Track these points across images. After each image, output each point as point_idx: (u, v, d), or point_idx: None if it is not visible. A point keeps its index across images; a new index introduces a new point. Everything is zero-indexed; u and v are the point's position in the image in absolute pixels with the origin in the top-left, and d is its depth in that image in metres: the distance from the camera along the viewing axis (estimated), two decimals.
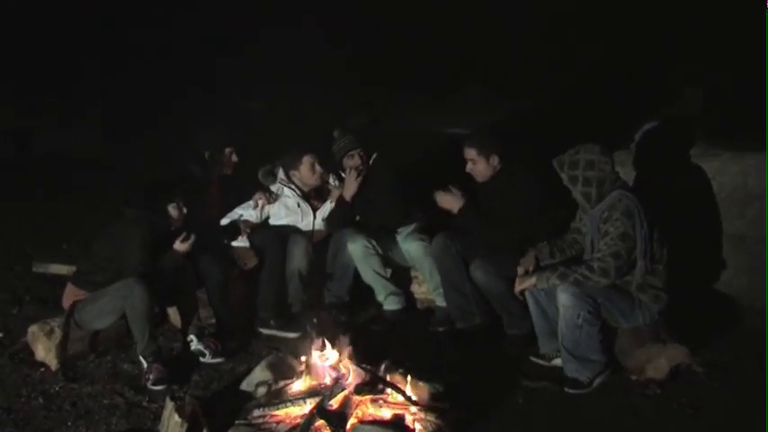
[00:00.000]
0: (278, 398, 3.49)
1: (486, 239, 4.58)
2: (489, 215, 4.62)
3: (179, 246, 4.39)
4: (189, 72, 11.35)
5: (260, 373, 3.80)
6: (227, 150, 5.06)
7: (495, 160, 4.63)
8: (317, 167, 5.13)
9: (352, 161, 5.12)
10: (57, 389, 4.03)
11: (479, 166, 4.65)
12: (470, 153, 4.64)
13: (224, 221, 5.07)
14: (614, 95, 7.80)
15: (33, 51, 10.74)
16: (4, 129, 10.48)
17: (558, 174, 4.00)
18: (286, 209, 5.15)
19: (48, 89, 10.90)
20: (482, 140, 4.66)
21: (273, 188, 5.22)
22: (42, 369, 4.25)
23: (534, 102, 8.69)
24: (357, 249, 4.91)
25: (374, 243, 4.95)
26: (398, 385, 3.47)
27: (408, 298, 5.20)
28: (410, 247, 5.00)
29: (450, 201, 4.71)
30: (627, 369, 4.02)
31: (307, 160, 5.12)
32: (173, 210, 4.49)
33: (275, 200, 5.16)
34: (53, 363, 4.25)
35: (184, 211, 4.53)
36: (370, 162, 5.17)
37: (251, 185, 5.27)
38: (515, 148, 4.78)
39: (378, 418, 3.30)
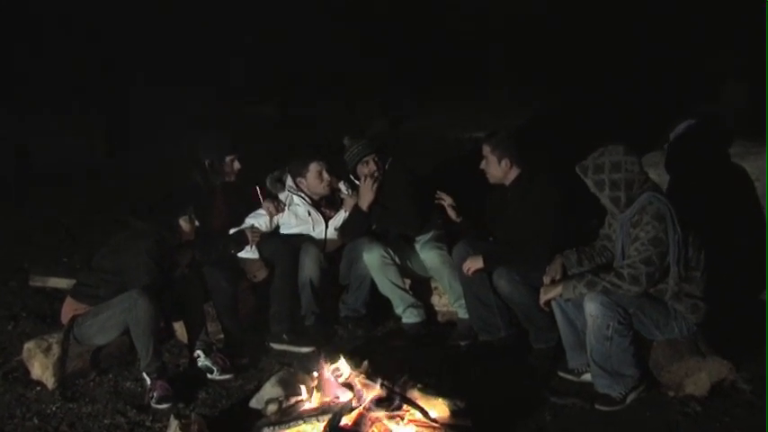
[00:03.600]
0: (289, 416, 3.51)
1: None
2: (508, 226, 4.70)
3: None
4: (195, 76, 11.49)
5: (270, 390, 3.86)
6: (229, 159, 5.09)
7: (506, 164, 4.69)
8: (325, 175, 5.14)
9: (367, 168, 5.12)
10: (53, 409, 4.08)
11: (490, 165, 4.74)
12: (484, 150, 4.75)
13: (232, 231, 5.09)
14: (646, 91, 7.78)
15: (32, 62, 10.97)
16: (3, 141, 10.67)
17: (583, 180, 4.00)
18: (296, 217, 5.19)
19: (47, 100, 11.10)
20: (498, 141, 4.72)
21: (282, 196, 5.25)
22: (38, 388, 4.31)
23: (562, 101, 8.71)
24: (373, 259, 4.93)
25: (391, 252, 4.97)
26: (417, 402, 3.49)
27: (428, 310, 5.21)
28: (427, 255, 5.04)
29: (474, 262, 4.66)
30: (663, 384, 4.00)
31: (314, 168, 5.13)
32: (184, 223, 4.58)
33: (284, 208, 5.20)
34: (50, 381, 4.30)
35: (196, 223, 4.63)
36: (386, 167, 5.19)
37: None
38: (540, 154, 4.82)
39: None
